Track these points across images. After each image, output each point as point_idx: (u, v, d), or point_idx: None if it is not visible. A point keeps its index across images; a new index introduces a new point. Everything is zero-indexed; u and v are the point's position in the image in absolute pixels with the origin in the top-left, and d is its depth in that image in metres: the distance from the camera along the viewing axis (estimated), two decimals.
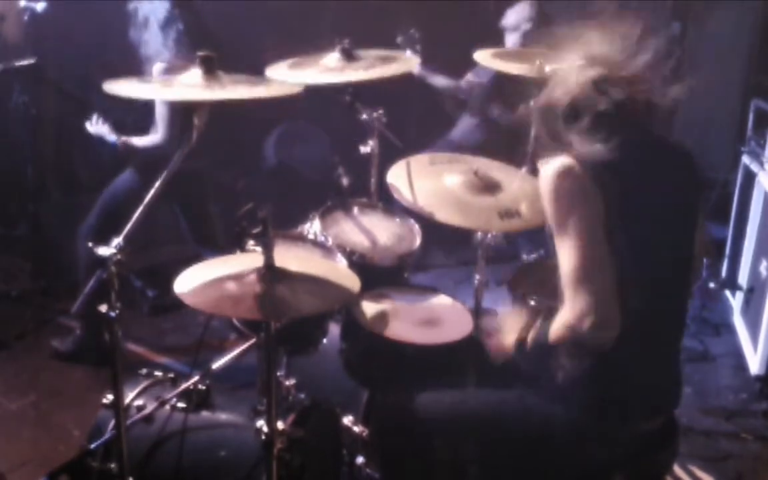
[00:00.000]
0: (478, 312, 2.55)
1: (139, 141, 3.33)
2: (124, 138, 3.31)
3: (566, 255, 1.73)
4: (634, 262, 1.73)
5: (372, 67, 2.67)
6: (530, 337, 1.90)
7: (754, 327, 3.74)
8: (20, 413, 3.21)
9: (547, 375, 1.88)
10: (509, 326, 2.03)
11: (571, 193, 1.74)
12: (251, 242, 2.12)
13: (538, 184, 1.86)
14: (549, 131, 1.86)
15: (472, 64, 2.85)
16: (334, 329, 2.38)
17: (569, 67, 1.86)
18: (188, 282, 1.78)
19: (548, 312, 1.84)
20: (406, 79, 2.84)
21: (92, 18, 3.95)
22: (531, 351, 1.91)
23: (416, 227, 2.70)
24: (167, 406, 2.14)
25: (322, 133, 5.19)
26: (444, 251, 4.70)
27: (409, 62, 2.80)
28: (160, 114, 3.22)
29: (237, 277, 1.78)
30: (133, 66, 3.12)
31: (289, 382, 2.27)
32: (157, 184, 1.91)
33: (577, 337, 1.73)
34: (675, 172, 1.88)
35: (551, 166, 1.77)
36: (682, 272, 1.91)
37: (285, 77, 2.48)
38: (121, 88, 1.96)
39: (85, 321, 3.46)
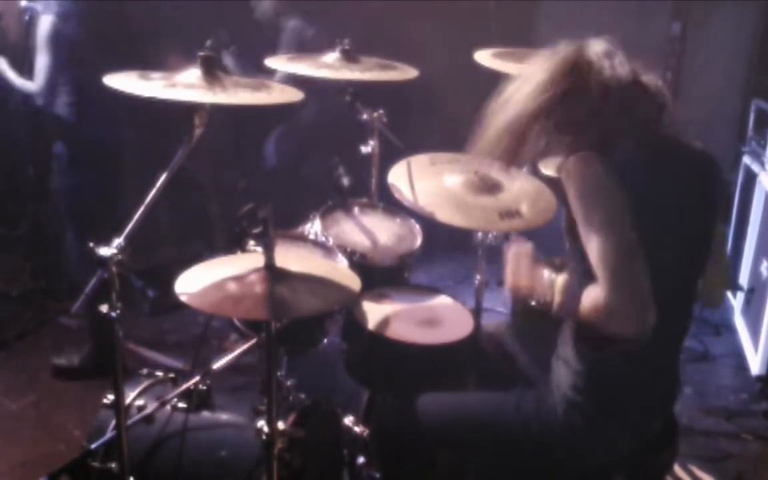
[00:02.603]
0: (478, 312, 2.55)
1: (15, 78, 3.39)
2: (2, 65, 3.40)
3: (599, 245, 1.67)
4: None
5: (370, 71, 2.68)
6: (557, 298, 1.81)
7: (754, 327, 3.75)
8: (20, 413, 3.21)
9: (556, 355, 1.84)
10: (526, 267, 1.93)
11: (598, 182, 1.70)
12: (252, 242, 2.13)
13: (540, 185, 1.86)
14: (559, 132, 1.85)
15: (471, 65, 2.84)
16: (335, 329, 2.38)
17: (573, 66, 1.85)
18: (189, 282, 1.78)
19: (574, 273, 1.78)
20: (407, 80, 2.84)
21: (93, 17, 3.94)
22: (556, 315, 1.83)
23: (417, 227, 2.70)
24: (168, 406, 2.14)
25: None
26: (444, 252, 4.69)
27: (408, 72, 2.80)
28: (41, 64, 3.24)
29: (238, 278, 1.77)
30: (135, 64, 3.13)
31: (290, 382, 2.27)
32: (159, 183, 1.91)
33: (607, 325, 1.66)
34: (690, 178, 1.85)
35: (579, 156, 1.73)
36: (690, 278, 1.90)
37: (284, 68, 2.57)
38: (121, 83, 1.97)
39: (92, 333, 3.45)
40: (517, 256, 1.93)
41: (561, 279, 1.82)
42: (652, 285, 1.68)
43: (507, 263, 1.94)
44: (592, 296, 1.69)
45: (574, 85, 1.76)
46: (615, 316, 1.65)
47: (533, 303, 1.90)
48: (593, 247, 1.69)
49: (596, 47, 1.80)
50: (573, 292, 1.75)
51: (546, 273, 1.87)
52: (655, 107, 1.81)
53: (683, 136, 1.88)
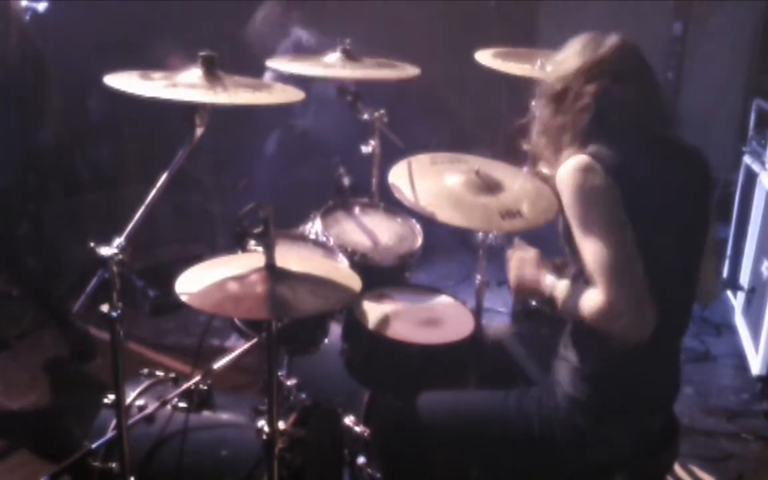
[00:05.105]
0: (479, 312, 2.55)
1: None
2: None
3: (595, 250, 1.69)
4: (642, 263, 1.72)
5: (370, 69, 2.69)
6: (560, 297, 1.84)
7: (755, 327, 3.74)
8: (20, 413, 3.21)
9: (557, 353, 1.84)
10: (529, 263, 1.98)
11: (595, 188, 1.73)
12: (253, 242, 2.13)
13: (541, 185, 1.86)
14: (556, 132, 1.86)
15: (472, 65, 2.84)
16: (336, 329, 2.38)
17: (571, 67, 1.86)
18: (190, 282, 1.78)
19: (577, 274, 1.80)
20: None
21: (94, 18, 3.95)
22: (559, 312, 1.86)
23: (417, 227, 2.70)
24: (169, 406, 2.14)
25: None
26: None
27: (408, 70, 2.80)
28: None
29: (239, 277, 1.77)
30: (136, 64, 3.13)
31: (291, 382, 2.27)
32: (159, 183, 1.91)
33: (609, 328, 1.69)
34: (685, 174, 1.87)
35: (571, 163, 1.76)
36: (688, 274, 1.90)
37: (285, 67, 2.59)
38: (123, 83, 1.96)
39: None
40: (520, 259, 1.94)
41: (565, 281, 1.83)
42: (652, 281, 1.68)
43: (510, 265, 1.95)
44: (592, 300, 1.69)
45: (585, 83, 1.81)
46: (615, 319, 1.66)
47: (534, 303, 1.90)
48: (589, 251, 1.70)
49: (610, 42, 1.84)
50: (578, 294, 1.76)
51: (549, 275, 1.88)
52: (659, 105, 1.83)
53: (679, 134, 1.90)
